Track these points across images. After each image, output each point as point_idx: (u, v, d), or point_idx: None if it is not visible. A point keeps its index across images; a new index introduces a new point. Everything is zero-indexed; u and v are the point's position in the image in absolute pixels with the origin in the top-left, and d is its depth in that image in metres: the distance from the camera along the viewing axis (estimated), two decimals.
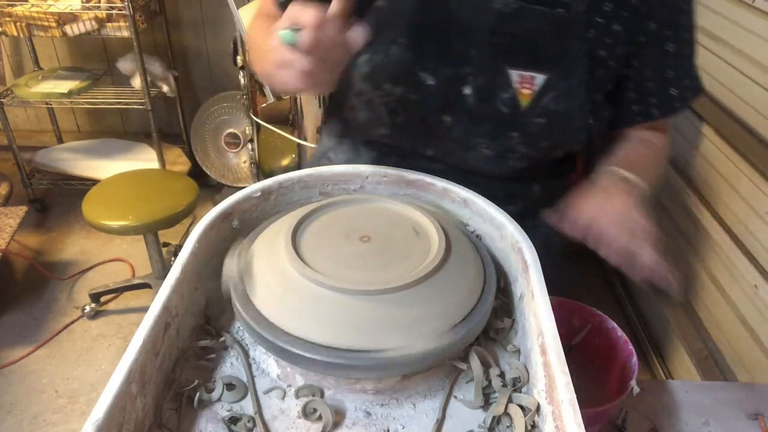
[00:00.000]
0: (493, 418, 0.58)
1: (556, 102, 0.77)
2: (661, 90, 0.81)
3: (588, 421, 0.55)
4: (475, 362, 0.62)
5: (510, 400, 0.59)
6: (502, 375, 0.64)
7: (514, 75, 0.76)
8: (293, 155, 2.51)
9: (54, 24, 2.31)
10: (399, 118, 0.80)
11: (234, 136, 2.80)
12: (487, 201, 0.78)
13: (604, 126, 0.83)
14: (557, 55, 0.75)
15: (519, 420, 0.57)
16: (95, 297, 2.22)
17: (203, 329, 0.69)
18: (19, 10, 2.29)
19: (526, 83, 0.76)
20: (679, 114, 0.83)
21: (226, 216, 0.74)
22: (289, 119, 2.28)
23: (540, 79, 0.76)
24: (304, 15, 0.61)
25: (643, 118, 0.84)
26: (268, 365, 0.64)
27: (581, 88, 0.76)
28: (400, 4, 0.74)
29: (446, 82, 0.77)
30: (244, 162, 2.84)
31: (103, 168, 2.67)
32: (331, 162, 0.95)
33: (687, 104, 0.83)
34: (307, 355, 0.56)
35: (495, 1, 0.70)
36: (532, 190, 0.91)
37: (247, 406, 0.60)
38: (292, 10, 0.62)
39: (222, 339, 0.67)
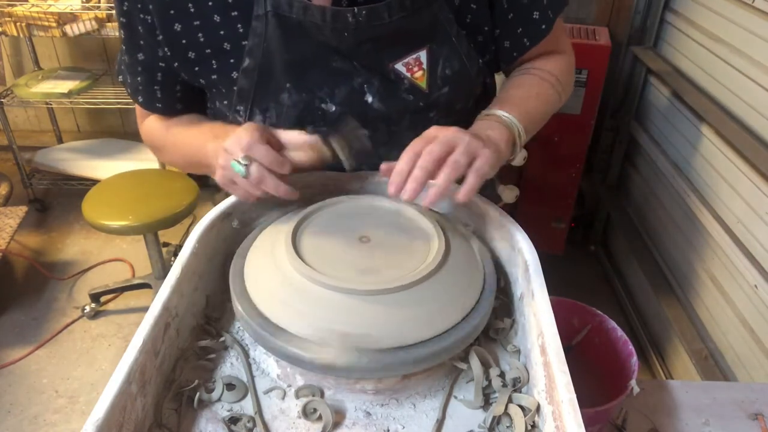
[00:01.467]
0: (493, 418, 0.58)
1: (449, 66, 0.78)
2: (523, 18, 0.81)
3: (588, 421, 0.55)
4: (475, 362, 0.62)
5: (510, 400, 0.59)
6: (502, 375, 0.64)
7: (400, 67, 0.77)
8: None
9: (54, 24, 2.31)
10: (325, 151, 0.80)
11: None
12: (487, 201, 0.78)
13: (489, 68, 0.85)
14: (426, 27, 0.75)
15: (519, 420, 0.57)
16: (95, 297, 2.22)
17: (203, 329, 0.69)
18: (19, 10, 2.29)
19: (414, 67, 0.77)
20: (549, 33, 0.82)
21: (226, 216, 0.74)
22: None
23: (424, 55, 0.77)
24: (258, 151, 0.66)
25: (519, 51, 0.84)
26: (268, 365, 0.64)
27: (461, 41, 0.78)
28: (266, 56, 0.74)
29: (347, 100, 0.77)
30: None
31: (103, 168, 2.67)
32: None
33: (553, 22, 0.82)
34: (307, 355, 0.56)
35: (347, 16, 0.70)
36: None
37: (247, 406, 0.60)
38: (247, 139, 0.66)
39: (222, 339, 0.67)
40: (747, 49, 1.55)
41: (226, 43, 0.75)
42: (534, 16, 0.81)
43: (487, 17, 0.80)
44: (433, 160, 0.63)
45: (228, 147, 0.68)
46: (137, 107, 0.90)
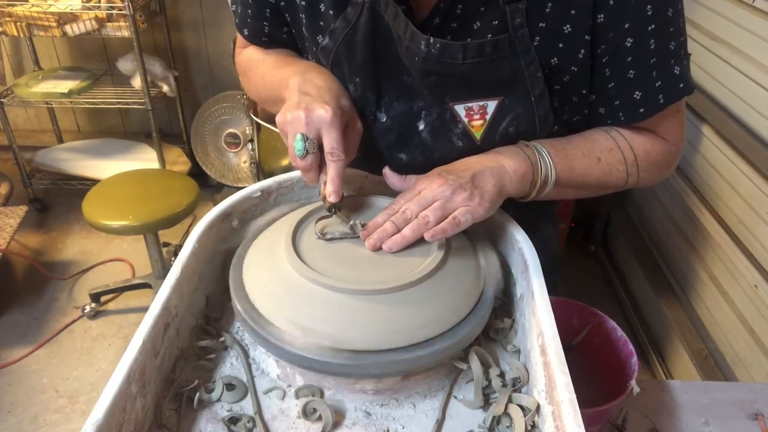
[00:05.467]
0: (493, 418, 0.58)
1: (515, 125, 0.71)
2: (623, 93, 0.71)
3: (588, 421, 0.55)
4: (475, 362, 0.62)
5: (510, 400, 0.59)
6: (502, 375, 0.64)
7: (460, 109, 0.72)
8: None
9: (54, 24, 2.31)
10: (358, 151, 0.78)
11: (234, 136, 2.80)
12: None
13: (578, 127, 0.77)
14: (505, 77, 0.69)
15: (519, 420, 0.57)
16: (95, 297, 2.22)
17: (203, 329, 0.69)
18: (20, 10, 2.29)
19: (476, 114, 0.72)
20: (648, 117, 0.71)
21: (226, 216, 0.74)
22: None
23: (492, 106, 0.71)
24: (327, 136, 0.65)
25: (613, 121, 0.74)
26: (268, 365, 0.64)
27: (541, 102, 0.70)
28: (347, 44, 0.73)
29: (399, 118, 0.75)
30: (244, 162, 2.85)
31: (103, 168, 2.67)
32: None
33: (659, 108, 0.70)
34: (307, 355, 0.56)
35: (421, 42, 0.66)
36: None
37: (247, 406, 0.60)
38: (323, 120, 0.65)
39: (222, 339, 0.67)
40: (747, 49, 1.56)
41: (321, 5, 0.73)
42: (635, 96, 0.70)
43: (587, 80, 0.71)
44: (405, 219, 0.65)
45: (304, 116, 0.65)
46: (238, 36, 0.89)
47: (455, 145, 0.74)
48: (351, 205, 0.72)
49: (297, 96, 0.68)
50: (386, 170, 0.73)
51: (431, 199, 0.65)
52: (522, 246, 0.69)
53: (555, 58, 0.68)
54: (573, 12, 0.66)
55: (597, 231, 2.51)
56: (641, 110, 0.71)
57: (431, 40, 0.66)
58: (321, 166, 0.67)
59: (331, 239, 0.66)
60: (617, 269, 2.37)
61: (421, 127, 0.75)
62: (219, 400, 0.60)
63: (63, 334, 2.15)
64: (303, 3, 0.75)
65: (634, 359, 0.87)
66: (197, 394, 0.59)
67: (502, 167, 0.68)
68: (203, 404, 0.60)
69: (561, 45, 0.68)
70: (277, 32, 0.82)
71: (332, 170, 0.65)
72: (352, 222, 0.67)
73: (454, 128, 0.73)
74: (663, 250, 2.03)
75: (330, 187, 0.65)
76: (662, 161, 0.76)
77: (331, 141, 0.65)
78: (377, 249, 0.64)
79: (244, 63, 0.90)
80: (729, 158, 1.62)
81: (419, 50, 0.67)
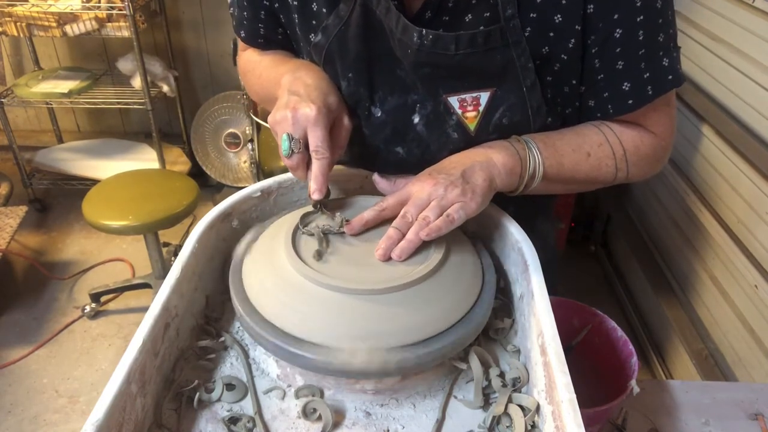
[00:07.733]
0: (493, 418, 0.58)
1: (508, 116, 0.72)
2: (612, 84, 0.71)
3: (588, 421, 0.55)
4: (475, 362, 0.62)
5: (510, 400, 0.59)
6: (502, 375, 0.64)
7: (453, 101, 0.72)
8: None
9: (54, 24, 2.31)
10: (354, 148, 0.78)
11: (234, 136, 2.80)
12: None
13: (571, 120, 0.76)
14: (497, 68, 0.69)
15: (519, 420, 0.57)
16: (95, 297, 2.22)
17: (203, 329, 0.69)
18: (20, 10, 2.29)
19: (469, 106, 0.72)
20: (637, 109, 0.71)
21: (226, 216, 0.74)
22: None
23: (485, 97, 0.72)
24: (312, 134, 0.66)
25: (602, 114, 0.74)
26: (268, 365, 0.64)
27: (533, 93, 0.71)
28: (340, 40, 0.73)
29: (394, 112, 0.76)
30: (244, 162, 2.85)
31: (103, 168, 2.67)
32: None
33: (647, 100, 0.71)
34: (307, 355, 0.56)
35: (414, 34, 0.67)
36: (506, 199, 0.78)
37: (247, 406, 0.60)
38: (308, 118, 0.66)
39: (222, 339, 0.67)
40: (747, 49, 1.56)
41: (314, 4, 0.74)
42: (624, 87, 0.70)
43: (578, 71, 0.72)
44: (407, 224, 0.65)
45: (290, 116, 0.67)
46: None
47: (450, 137, 0.75)
48: (339, 205, 0.73)
49: (286, 95, 0.70)
50: (375, 176, 0.74)
51: (426, 199, 0.65)
52: (522, 245, 0.69)
53: (546, 47, 0.69)
54: (564, 2, 0.67)
55: (597, 231, 2.51)
56: (630, 102, 0.71)
57: (423, 31, 0.67)
58: (309, 163, 0.68)
59: (313, 234, 0.66)
60: (617, 269, 2.37)
61: (416, 120, 0.76)
62: (219, 400, 0.60)
63: (63, 334, 2.15)
64: (295, 3, 0.75)
65: (634, 359, 0.87)
66: (197, 394, 0.59)
67: (491, 161, 0.69)
68: (203, 404, 0.60)
69: (552, 34, 0.69)
70: (272, 34, 0.83)
71: (316, 168, 0.66)
72: (337, 218, 0.68)
73: (449, 120, 0.74)
74: (663, 250, 2.03)
75: (313, 185, 0.66)
76: (652, 155, 0.77)
77: (315, 139, 0.66)
78: (387, 259, 0.63)
79: (244, 65, 0.91)
80: (729, 158, 1.62)
81: (412, 42, 0.68)
